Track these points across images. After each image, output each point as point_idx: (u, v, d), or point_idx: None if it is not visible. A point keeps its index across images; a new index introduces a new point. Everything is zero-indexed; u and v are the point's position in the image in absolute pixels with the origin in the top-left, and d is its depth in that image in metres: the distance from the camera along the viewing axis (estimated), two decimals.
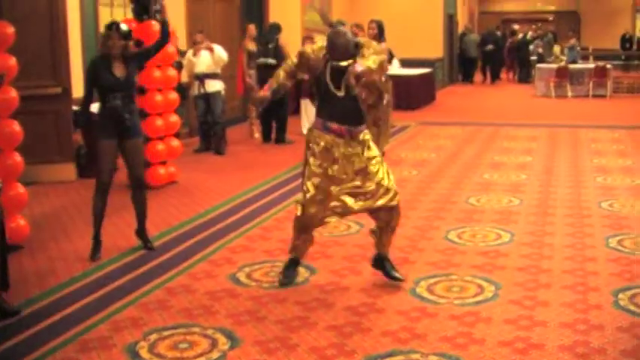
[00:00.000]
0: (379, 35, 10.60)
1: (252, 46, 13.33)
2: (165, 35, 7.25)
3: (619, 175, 10.26)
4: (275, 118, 13.33)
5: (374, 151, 5.89)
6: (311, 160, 5.81)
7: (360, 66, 5.61)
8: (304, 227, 5.93)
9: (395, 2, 22.64)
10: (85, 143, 9.94)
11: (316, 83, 6.00)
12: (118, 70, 6.81)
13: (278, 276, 6.12)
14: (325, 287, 5.92)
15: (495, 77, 28.17)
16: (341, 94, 5.75)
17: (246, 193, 9.25)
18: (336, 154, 5.75)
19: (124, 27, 6.86)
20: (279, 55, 12.75)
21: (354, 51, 5.69)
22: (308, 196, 5.77)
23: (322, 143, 5.76)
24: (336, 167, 5.75)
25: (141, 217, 7.11)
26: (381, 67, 5.87)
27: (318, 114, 5.95)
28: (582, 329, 5.05)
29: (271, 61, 12.74)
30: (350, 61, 5.64)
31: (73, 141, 6.74)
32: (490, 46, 27.52)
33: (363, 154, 5.81)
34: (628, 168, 10.78)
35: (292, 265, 6.12)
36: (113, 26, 6.84)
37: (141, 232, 7.14)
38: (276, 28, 13.47)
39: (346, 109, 5.77)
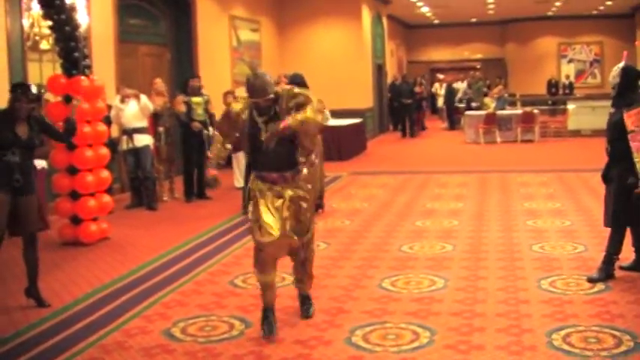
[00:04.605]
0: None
1: (160, 103, 12.74)
2: (70, 135, 7.40)
3: (549, 217, 10.42)
4: (196, 173, 13.02)
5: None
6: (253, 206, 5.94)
7: (288, 120, 5.73)
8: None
9: (324, 53, 22.85)
10: None
11: (248, 137, 6.03)
12: (21, 130, 6.68)
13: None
14: (260, 340, 5.87)
15: (412, 131, 25.86)
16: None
17: (179, 248, 9.18)
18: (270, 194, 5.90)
19: (33, 90, 6.74)
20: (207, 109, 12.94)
21: (272, 90, 5.81)
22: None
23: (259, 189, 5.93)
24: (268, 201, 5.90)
25: (32, 274, 6.95)
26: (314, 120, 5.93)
27: (253, 167, 6.07)
28: None
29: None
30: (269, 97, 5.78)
31: None
32: (408, 101, 26.02)
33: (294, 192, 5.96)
34: (557, 210, 10.96)
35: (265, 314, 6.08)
36: (19, 89, 6.74)
37: (33, 290, 6.97)
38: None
39: (279, 155, 5.87)
